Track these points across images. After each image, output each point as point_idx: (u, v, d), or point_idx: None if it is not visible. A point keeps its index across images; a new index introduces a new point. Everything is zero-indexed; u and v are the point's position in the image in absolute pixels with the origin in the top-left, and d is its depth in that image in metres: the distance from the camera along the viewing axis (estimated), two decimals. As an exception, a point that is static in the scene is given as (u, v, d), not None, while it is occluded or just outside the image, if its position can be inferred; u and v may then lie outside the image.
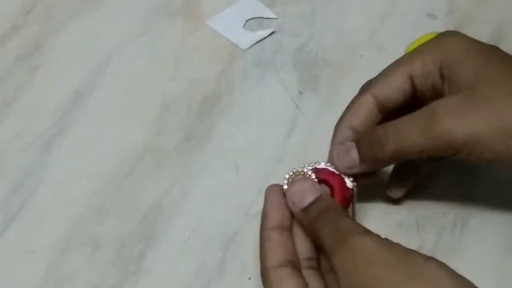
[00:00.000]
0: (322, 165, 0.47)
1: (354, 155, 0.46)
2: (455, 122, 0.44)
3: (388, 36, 0.62)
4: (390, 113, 0.48)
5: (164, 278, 0.48)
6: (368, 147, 0.46)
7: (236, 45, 0.62)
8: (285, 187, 0.46)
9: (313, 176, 0.46)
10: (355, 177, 0.47)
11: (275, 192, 0.46)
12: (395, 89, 0.47)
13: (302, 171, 0.46)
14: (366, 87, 0.49)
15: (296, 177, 0.46)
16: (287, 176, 0.46)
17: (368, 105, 0.48)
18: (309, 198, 0.44)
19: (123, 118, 0.57)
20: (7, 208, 0.51)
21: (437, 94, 0.46)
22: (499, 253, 0.49)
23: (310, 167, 0.47)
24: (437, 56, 0.46)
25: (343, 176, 0.47)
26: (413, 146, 0.45)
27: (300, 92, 0.58)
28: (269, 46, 0.62)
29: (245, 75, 0.60)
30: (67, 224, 0.50)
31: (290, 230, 0.45)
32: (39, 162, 0.54)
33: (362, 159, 0.46)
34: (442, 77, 0.46)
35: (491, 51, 0.47)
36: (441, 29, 0.62)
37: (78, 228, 0.50)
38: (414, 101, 0.48)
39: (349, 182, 0.47)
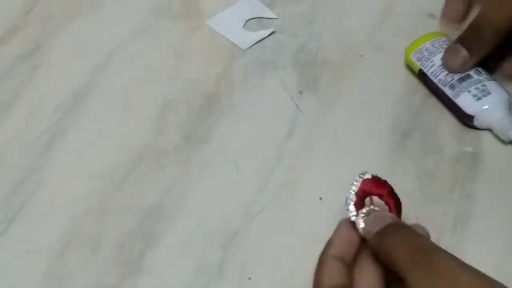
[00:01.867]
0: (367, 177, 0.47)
1: (464, 52, 0.54)
2: None
3: (388, 36, 0.62)
4: None
5: (164, 278, 0.48)
6: (474, 39, 0.54)
7: (236, 45, 0.62)
8: (361, 220, 0.45)
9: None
10: None
11: (347, 226, 0.45)
12: None
13: (375, 208, 0.46)
14: None
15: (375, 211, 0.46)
16: (364, 211, 0.45)
17: None
18: (384, 223, 0.44)
19: (123, 118, 0.57)
20: (7, 208, 0.51)
21: None
22: (499, 253, 0.49)
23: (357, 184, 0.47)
24: None
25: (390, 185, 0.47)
26: (502, 22, 0.53)
27: (300, 92, 0.58)
28: (269, 46, 0.62)
29: (245, 75, 0.60)
30: (67, 224, 0.50)
31: (350, 267, 0.44)
32: (39, 162, 0.54)
33: (471, 52, 0.54)
34: None
35: None
36: (441, 29, 0.62)
37: (78, 228, 0.50)
38: None
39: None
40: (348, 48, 0.61)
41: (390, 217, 0.45)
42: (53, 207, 0.51)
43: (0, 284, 0.48)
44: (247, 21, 0.63)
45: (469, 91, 0.54)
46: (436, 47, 0.57)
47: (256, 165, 0.54)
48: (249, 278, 0.48)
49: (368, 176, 0.47)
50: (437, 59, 0.56)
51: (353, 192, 0.46)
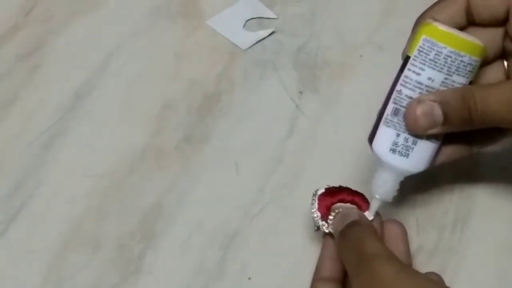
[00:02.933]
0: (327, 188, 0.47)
1: (438, 116, 0.44)
2: None
3: (388, 36, 0.62)
4: (472, 24, 0.46)
5: (164, 278, 0.48)
6: (458, 111, 0.43)
7: (236, 45, 0.62)
8: (331, 228, 0.46)
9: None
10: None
11: (329, 244, 0.45)
12: (491, 5, 0.46)
13: (340, 210, 0.46)
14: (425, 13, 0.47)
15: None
16: (331, 217, 0.46)
17: (457, 5, 0.46)
18: (347, 221, 0.44)
19: (123, 118, 0.57)
20: (7, 208, 0.51)
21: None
22: (499, 253, 0.49)
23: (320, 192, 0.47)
24: None
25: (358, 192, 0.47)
26: (499, 120, 0.44)
27: (300, 92, 0.58)
28: (269, 46, 0.62)
29: (245, 75, 0.60)
30: (67, 224, 0.51)
31: (341, 283, 0.44)
32: (39, 162, 0.54)
33: (446, 121, 0.44)
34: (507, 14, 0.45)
35: None
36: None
37: (78, 228, 0.50)
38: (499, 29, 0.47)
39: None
40: (348, 48, 0.61)
41: (355, 213, 0.45)
42: (53, 207, 0.51)
43: (0, 284, 0.48)
44: (247, 21, 0.63)
45: (398, 135, 0.45)
46: (444, 64, 0.44)
47: (256, 165, 0.54)
48: (249, 278, 0.48)
49: (321, 191, 0.47)
50: (427, 74, 0.44)
51: (315, 214, 0.47)
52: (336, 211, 0.46)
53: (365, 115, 0.56)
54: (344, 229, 0.44)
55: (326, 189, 0.47)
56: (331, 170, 0.53)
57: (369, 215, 0.46)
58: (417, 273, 0.40)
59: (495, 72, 0.48)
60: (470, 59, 0.44)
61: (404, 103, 0.45)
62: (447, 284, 0.43)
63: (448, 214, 0.51)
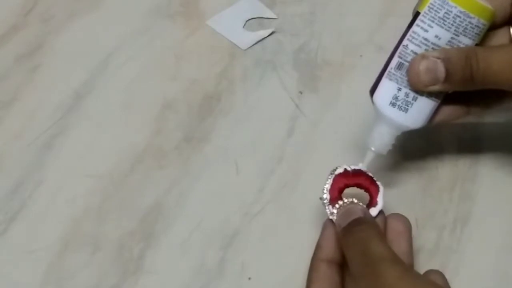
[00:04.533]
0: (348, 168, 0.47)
1: (441, 73, 0.45)
2: None
3: (388, 36, 0.62)
4: None
5: (164, 278, 0.48)
6: (460, 69, 0.44)
7: (236, 45, 0.62)
8: (335, 216, 0.46)
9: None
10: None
11: (331, 226, 0.45)
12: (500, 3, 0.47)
13: (350, 201, 0.46)
14: None
15: (347, 205, 0.46)
16: (335, 210, 0.46)
17: None
18: (352, 217, 0.44)
19: (123, 118, 0.57)
20: (7, 208, 0.51)
21: None
22: (499, 253, 0.49)
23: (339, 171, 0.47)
24: None
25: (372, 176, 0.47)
26: (500, 81, 0.44)
27: (300, 92, 0.58)
28: (269, 46, 0.62)
29: (245, 75, 0.60)
30: (67, 224, 0.51)
31: (340, 265, 0.44)
32: (39, 162, 0.54)
33: (448, 78, 0.45)
34: None
35: None
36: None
37: (78, 228, 0.50)
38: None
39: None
40: (348, 48, 0.61)
41: (359, 210, 0.45)
42: (53, 207, 0.51)
43: (0, 284, 0.48)
44: (247, 21, 0.63)
45: (399, 89, 0.46)
46: (452, 23, 0.45)
47: (256, 165, 0.54)
48: (249, 278, 0.48)
49: (339, 170, 0.47)
50: (435, 32, 0.45)
51: (325, 191, 0.46)
52: (345, 200, 0.46)
53: (365, 115, 0.56)
54: (348, 226, 0.44)
55: (345, 169, 0.47)
56: (331, 170, 0.53)
57: (362, 166, 0.46)
58: (421, 276, 0.40)
59: (500, 37, 0.48)
60: (478, 21, 0.45)
61: (409, 58, 0.46)
62: (447, 284, 0.43)
63: (448, 214, 0.51)
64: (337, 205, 0.46)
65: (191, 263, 0.49)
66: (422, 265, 0.48)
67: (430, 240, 0.50)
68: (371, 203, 0.46)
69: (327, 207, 0.46)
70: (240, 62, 0.60)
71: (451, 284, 0.43)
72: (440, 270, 0.44)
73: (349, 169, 0.47)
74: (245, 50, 0.61)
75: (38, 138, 0.55)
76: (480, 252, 0.49)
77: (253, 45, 0.62)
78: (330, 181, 0.47)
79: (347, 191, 0.47)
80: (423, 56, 0.45)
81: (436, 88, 0.45)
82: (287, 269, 0.48)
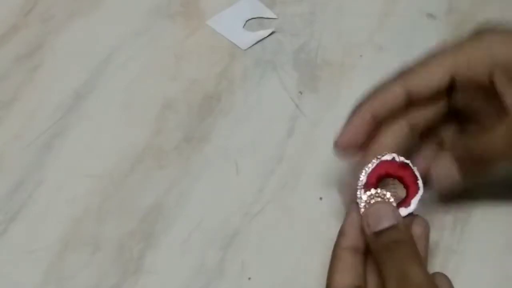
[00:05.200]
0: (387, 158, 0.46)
1: (455, 174, 0.46)
2: None
3: (388, 36, 0.62)
4: (413, 105, 0.47)
5: (164, 278, 0.48)
6: (473, 165, 0.46)
7: (236, 45, 0.62)
8: (362, 209, 0.44)
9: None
10: None
11: (356, 212, 0.44)
12: (432, 84, 0.46)
13: (382, 193, 0.45)
14: (401, 75, 0.47)
15: (376, 199, 0.44)
16: (364, 197, 0.44)
17: (396, 97, 0.46)
18: (384, 223, 0.43)
19: (123, 118, 0.57)
20: (7, 208, 0.51)
21: (479, 92, 0.46)
22: (499, 253, 0.49)
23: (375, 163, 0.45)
24: (486, 56, 0.45)
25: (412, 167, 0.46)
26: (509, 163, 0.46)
27: (300, 92, 0.58)
28: (269, 46, 0.62)
29: (245, 75, 0.60)
30: (67, 224, 0.51)
31: (364, 254, 0.43)
32: (39, 162, 0.54)
33: (462, 172, 0.46)
34: (491, 82, 0.45)
35: None
36: (441, 29, 0.62)
37: (78, 228, 0.50)
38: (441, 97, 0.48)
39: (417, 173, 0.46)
40: (348, 48, 0.61)
41: (391, 213, 0.43)
42: (53, 207, 0.51)
43: (0, 284, 0.48)
44: (247, 21, 0.63)
45: None
46: None
47: (256, 165, 0.54)
48: (249, 278, 0.48)
49: (387, 157, 0.45)
50: None
51: (364, 173, 0.45)
52: (378, 190, 0.44)
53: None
54: (383, 236, 0.42)
55: (393, 158, 0.45)
56: (331, 170, 0.53)
57: (406, 210, 0.45)
58: None
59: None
60: None
61: None
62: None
63: (448, 214, 0.51)
64: (368, 192, 0.44)
65: (191, 263, 0.49)
66: (422, 265, 0.48)
67: (430, 240, 0.49)
68: (404, 201, 0.45)
69: (358, 190, 0.44)
70: (240, 62, 0.60)
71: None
72: (440, 270, 0.44)
73: (397, 159, 0.45)
74: (245, 50, 0.61)
75: (38, 138, 0.55)
76: (480, 252, 0.49)
77: (253, 45, 0.62)
78: (373, 165, 0.45)
79: (385, 181, 0.46)
80: (440, 165, 0.46)
81: (456, 187, 0.47)
82: (287, 269, 0.48)
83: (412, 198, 0.45)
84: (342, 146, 0.47)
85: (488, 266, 0.49)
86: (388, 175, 0.45)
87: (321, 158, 0.54)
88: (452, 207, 0.51)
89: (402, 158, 0.46)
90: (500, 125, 0.45)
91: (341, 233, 0.44)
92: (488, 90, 0.45)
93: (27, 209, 0.51)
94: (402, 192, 0.45)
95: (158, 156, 0.54)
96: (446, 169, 0.46)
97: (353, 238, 0.43)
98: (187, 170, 0.53)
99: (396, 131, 0.47)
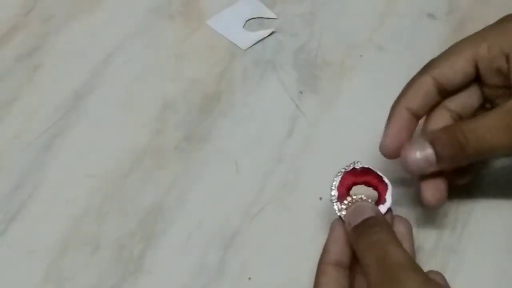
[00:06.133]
0: (358, 166, 0.47)
1: (431, 156, 0.45)
2: None
3: (388, 36, 0.62)
4: (448, 94, 0.47)
5: (164, 278, 0.48)
6: (448, 148, 0.45)
7: (236, 45, 0.62)
8: (344, 212, 0.45)
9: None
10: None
11: (339, 227, 0.45)
12: (457, 71, 0.46)
13: (359, 198, 0.46)
14: (426, 68, 0.48)
15: (356, 202, 0.45)
16: (344, 206, 0.45)
17: (427, 87, 0.47)
18: (363, 216, 0.43)
19: (123, 118, 0.57)
20: (7, 208, 0.51)
21: (501, 78, 0.46)
22: (499, 253, 0.49)
23: (348, 168, 0.47)
24: (505, 41, 0.46)
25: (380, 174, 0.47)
26: (494, 147, 0.44)
27: (300, 92, 0.58)
28: (269, 46, 0.62)
29: (245, 75, 0.60)
30: (67, 224, 0.51)
31: (348, 269, 0.44)
32: (39, 162, 0.54)
33: (440, 159, 0.45)
34: (508, 62, 0.46)
35: None
36: (441, 29, 0.62)
37: (78, 228, 0.50)
38: (473, 82, 0.48)
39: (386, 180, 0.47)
40: (348, 48, 0.61)
41: (369, 208, 0.44)
42: (53, 207, 0.51)
43: (0, 284, 0.48)
44: (247, 21, 0.63)
45: None
46: None
47: (256, 165, 0.54)
48: (249, 278, 0.48)
49: (348, 167, 0.47)
50: None
51: (334, 187, 0.46)
52: (354, 197, 0.46)
53: (365, 115, 0.56)
54: (360, 226, 0.43)
55: (353, 168, 0.47)
56: (331, 170, 0.53)
57: (385, 206, 0.46)
58: (440, 285, 0.40)
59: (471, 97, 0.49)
60: None
61: None
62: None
63: (448, 214, 0.51)
64: (345, 201, 0.45)
65: (191, 263, 0.49)
66: (422, 265, 0.47)
67: (430, 240, 0.50)
68: (380, 200, 0.46)
69: (335, 204, 0.46)
70: (240, 62, 0.60)
71: (451, 284, 0.43)
72: (440, 270, 0.44)
73: (357, 167, 0.47)
74: (245, 50, 0.61)
75: (38, 138, 0.55)
76: (480, 252, 0.49)
77: (253, 45, 0.62)
78: (338, 178, 0.47)
79: (354, 189, 0.47)
80: (412, 143, 0.46)
81: (431, 169, 0.45)
82: (287, 269, 0.48)
83: (385, 194, 0.46)
84: (388, 149, 0.47)
85: (488, 266, 0.49)
86: (355, 183, 0.47)
87: (321, 158, 0.54)
88: (452, 207, 0.51)
89: (361, 164, 0.47)
90: (495, 113, 0.45)
91: (324, 250, 0.45)
92: (508, 76, 0.46)
93: (27, 209, 0.51)
94: (374, 196, 0.47)
95: (158, 156, 0.54)
96: (421, 148, 0.45)
97: (336, 253, 0.44)
98: (187, 170, 0.53)
99: (437, 118, 0.48)
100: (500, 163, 0.53)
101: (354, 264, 0.44)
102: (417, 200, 0.51)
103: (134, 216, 0.51)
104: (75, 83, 0.59)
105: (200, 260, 0.49)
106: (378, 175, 0.47)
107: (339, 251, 0.44)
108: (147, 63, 0.60)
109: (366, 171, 0.47)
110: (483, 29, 0.48)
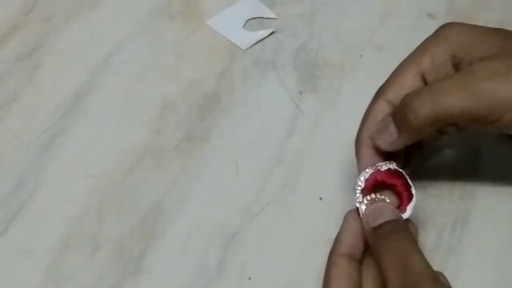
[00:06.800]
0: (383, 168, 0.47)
1: (392, 128, 0.45)
2: (499, 83, 0.42)
3: (388, 36, 0.62)
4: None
5: (164, 278, 0.48)
6: (403, 114, 0.44)
7: (236, 45, 0.62)
8: (363, 211, 0.45)
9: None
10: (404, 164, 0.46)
11: (353, 218, 0.44)
12: (407, 89, 0.46)
13: (382, 198, 0.45)
14: (378, 93, 0.48)
15: (377, 201, 0.45)
16: (365, 201, 0.45)
17: (383, 111, 0.47)
18: (384, 218, 0.43)
19: (123, 118, 0.57)
20: (7, 208, 0.51)
21: None
22: (499, 253, 0.49)
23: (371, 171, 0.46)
24: (446, 46, 0.46)
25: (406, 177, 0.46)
26: (452, 106, 0.42)
27: (300, 92, 0.58)
28: (269, 46, 0.62)
29: (245, 75, 0.60)
30: (67, 224, 0.51)
31: (359, 262, 0.43)
32: (39, 162, 0.54)
33: (399, 130, 0.44)
34: (454, 64, 0.45)
35: (494, 29, 0.46)
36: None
37: (78, 228, 0.50)
38: None
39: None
40: (348, 48, 0.61)
41: (391, 211, 0.44)
42: (53, 207, 0.51)
43: (0, 284, 0.48)
44: (247, 21, 0.63)
45: None
46: None
47: (256, 165, 0.54)
48: (249, 278, 0.48)
49: (382, 167, 0.46)
50: None
51: (362, 179, 0.46)
52: (378, 195, 0.45)
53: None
54: (381, 229, 0.43)
55: (388, 169, 0.46)
56: (331, 170, 0.53)
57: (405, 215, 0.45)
58: None
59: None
60: None
61: None
62: (447, 284, 0.43)
63: (448, 214, 0.51)
64: (368, 197, 0.45)
65: (191, 263, 0.49)
66: (422, 265, 0.48)
67: (430, 240, 0.50)
68: (399, 208, 0.45)
69: (358, 194, 0.45)
70: (240, 62, 0.60)
71: (451, 284, 0.43)
72: (440, 270, 0.44)
73: (392, 167, 0.46)
74: (245, 50, 0.61)
75: (38, 138, 0.55)
76: (480, 252, 0.49)
77: (253, 45, 0.62)
78: (371, 171, 0.46)
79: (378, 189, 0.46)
80: (381, 120, 0.46)
81: (397, 144, 0.45)
82: (287, 269, 0.48)
83: (406, 205, 0.45)
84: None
85: (488, 266, 0.49)
86: (383, 182, 0.46)
87: (321, 158, 0.54)
88: (452, 207, 0.51)
89: (395, 167, 0.46)
90: (454, 75, 0.44)
91: (337, 240, 0.44)
92: None
93: (27, 209, 0.51)
94: (394, 201, 0.46)
95: (158, 156, 0.54)
96: (384, 123, 0.45)
97: (349, 245, 0.43)
98: (187, 170, 0.53)
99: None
100: (500, 163, 0.53)
101: (363, 258, 0.44)
102: (417, 200, 0.52)
103: (134, 216, 0.51)
104: (75, 83, 0.59)
105: (200, 260, 0.49)
106: (408, 183, 0.46)
107: (352, 243, 0.43)
108: (147, 63, 0.60)
109: (397, 174, 0.46)
110: (422, 42, 0.48)
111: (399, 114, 0.45)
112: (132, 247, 0.49)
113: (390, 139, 0.45)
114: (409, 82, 0.46)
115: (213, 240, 0.50)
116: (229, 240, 0.50)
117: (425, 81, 0.46)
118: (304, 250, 0.49)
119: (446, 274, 0.44)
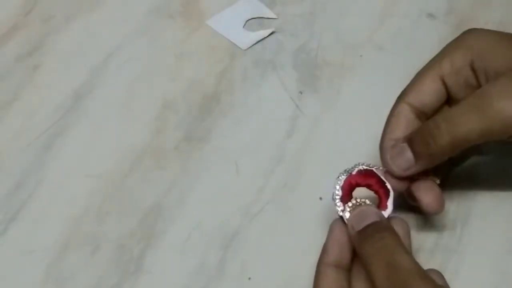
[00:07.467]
0: (362, 167, 0.47)
1: (409, 155, 0.46)
2: (509, 101, 0.43)
3: (388, 36, 0.62)
4: (428, 117, 0.48)
5: (164, 278, 0.48)
6: (422, 143, 0.45)
7: (236, 45, 0.62)
8: (347, 214, 0.45)
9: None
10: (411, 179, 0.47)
11: (338, 228, 0.45)
12: (428, 93, 0.47)
13: (363, 201, 0.46)
14: (401, 97, 0.49)
15: (359, 206, 0.45)
16: (350, 204, 0.45)
17: (405, 114, 0.48)
18: (368, 221, 0.43)
19: (123, 118, 0.57)
20: (7, 208, 0.51)
21: (471, 89, 0.47)
22: (499, 253, 0.49)
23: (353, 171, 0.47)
24: (465, 52, 0.47)
25: (383, 179, 0.47)
26: (468, 132, 0.44)
27: (300, 92, 0.58)
28: (269, 46, 0.62)
29: (245, 75, 0.60)
30: (67, 224, 0.51)
31: (347, 270, 0.44)
32: (39, 162, 0.54)
33: (417, 157, 0.45)
34: (473, 70, 0.46)
35: None
36: (441, 29, 0.62)
37: (78, 228, 0.50)
38: (449, 101, 0.48)
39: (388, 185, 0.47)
40: (348, 48, 0.61)
41: (374, 213, 0.44)
42: (53, 207, 0.51)
43: (0, 284, 0.48)
44: (247, 21, 0.63)
45: None
46: None
47: (256, 165, 0.54)
48: (249, 278, 0.48)
49: (353, 169, 0.47)
50: None
51: (338, 187, 0.46)
52: (358, 200, 0.45)
53: (365, 115, 0.56)
54: (365, 231, 0.43)
55: (358, 170, 0.47)
56: (331, 170, 0.53)
57: (385, 213, 0.46)
58: None
59: None
60: None
61: None
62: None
63: (448, 214, 0.51)
64: (350, 204, 0.45)
65: (191, 263, 0.49)
66: (422, 265, 0.48)
67: (430, 240, 0.50)
68: (380, 205, 0.46)
69: (338, 203, 0.46)
70: (240, 62, 0.60)
71: (451, 284, 0.43)
72: (440, 270, 0.44)
73: (362, 168, 0.47)
74: (245, 50, 0.61)
75: (38, 138, 0.55)
76: (480, 252, 0.49)
77: (253, 45, 0.62)
78: (343, 177, 0.47)
79: (356, 191, 0.47)
80: (392, 147, 0.47)
81: (414, 170, 0.46)
82: (287, 269, 0.48)
83: (386, 201, 0.46)
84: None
85: (488, 266, 0.49)
86: (357, 185, 0.47)
87: (321, 158, 0.54)
88: (452, 207, 0.51)
89: (365, 167, 0.47)
90: (467, 99, 0.45)
91: (324, 250, 0.44)
92: (476, 85, 0.47)
93: (27, 209, 0.51)
94: (374, 200, 0.47)
95: (158, 156, 0.54)
96: (399, 150, 0.46)
97: (336, 254, 0.44)
98: (187, 170, 0.53)
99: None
100: (500, 163, 0.53)
101: (352, 265, 0.44)
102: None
103: (134, 216, 0.51)
104: (75, 83, 0.59)
105: (200, 260, 0.49)
106: (381, 179, 0.47)
107: (339, 252, 0.44)
108: (147, 63, 0.60)
109: (369, 173, 0.47)
110: (444, 47, 0.49)
111: (417, 141, 0.46)
112: (132, 247, 0.49)
113: (406, 165, 0.46)
114: (430, 86, 0.48)
115: (213, 240, 0.50)
116: (229, 240, 0.50)
117: (445, 85, 0.47)
118: (304, 250, 0.49)
119: (446, 274, 0.44)
